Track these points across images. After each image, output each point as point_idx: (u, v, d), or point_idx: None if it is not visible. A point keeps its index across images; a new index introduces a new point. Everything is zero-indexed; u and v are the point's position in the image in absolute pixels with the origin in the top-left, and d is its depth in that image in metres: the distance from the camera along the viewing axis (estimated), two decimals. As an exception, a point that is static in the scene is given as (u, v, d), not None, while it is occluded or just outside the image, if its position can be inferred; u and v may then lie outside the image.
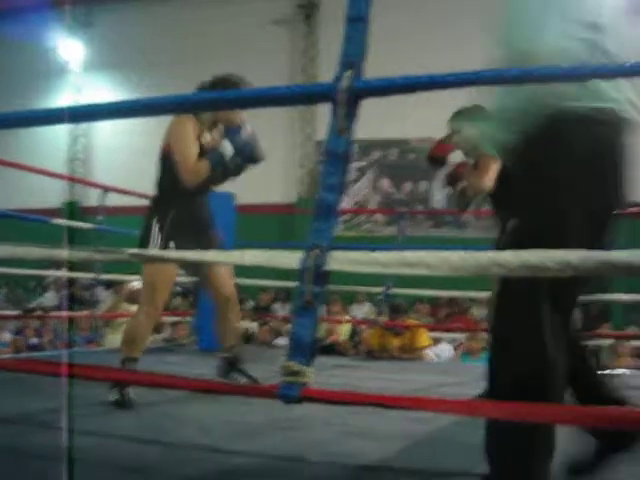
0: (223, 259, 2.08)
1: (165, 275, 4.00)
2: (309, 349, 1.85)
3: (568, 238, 2.00)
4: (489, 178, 3.60)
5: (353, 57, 1.89)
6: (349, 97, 1.84)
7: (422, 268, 1.76)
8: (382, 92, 1.91)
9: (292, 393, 1.81)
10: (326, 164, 1.92)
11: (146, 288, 4.05)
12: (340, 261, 1.85)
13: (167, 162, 4.07)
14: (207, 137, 4.11)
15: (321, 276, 1.85)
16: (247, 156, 3.97)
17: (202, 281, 4.39)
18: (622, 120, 2.10)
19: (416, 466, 2.65)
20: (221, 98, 2.06)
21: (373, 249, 2.11)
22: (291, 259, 1.90)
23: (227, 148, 3.93)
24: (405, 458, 2.80)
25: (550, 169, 2.07)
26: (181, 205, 4.09)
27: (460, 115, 3.98)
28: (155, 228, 4.02)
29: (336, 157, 1.90)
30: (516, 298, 1.99)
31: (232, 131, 3.97)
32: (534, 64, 1.96)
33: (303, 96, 2.07)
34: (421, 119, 12.78)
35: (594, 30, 2.06)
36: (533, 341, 1.98)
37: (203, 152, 4.02)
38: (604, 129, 2.07)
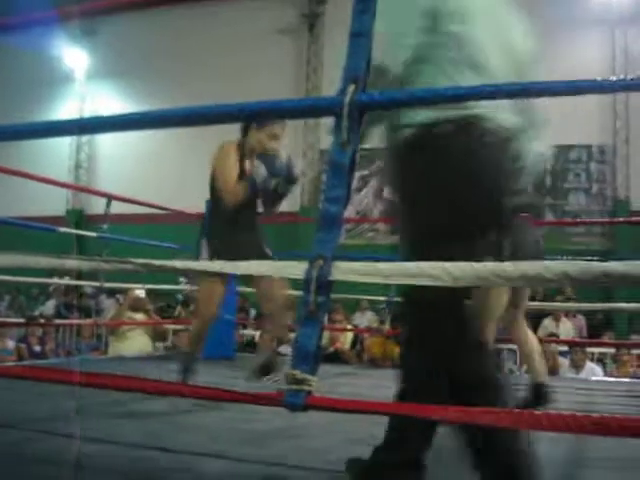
0: (231, 270, 2.11)
1: (213, 289, 4.41)
2: (313, 357, 1.88)
3: (441, 247, 2.11)
4: None
5: (356, 71, 1.92)
6: (353, 111, 1.87)
7: (424, 279, 1.79)
8: (385, 106, 1.94)
9: (297, 401, 1.83)
10: (330, 176, 1.95)
11: (198, 300, 4.74)
12: (343, 271, 1.88)
13: (213, 185, 4.43)
14: (248, 164, 4.40)
15: (325, 286, 1.88)
16: (283, 179, 4.33)
17: (256, 292, 4.73)
18: (497, 126, 2.19)
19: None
20: (229, 111, 2.09)
21: (377, 259, 2.14)
22: (296, 269, 1.93)
23: (261, 172, 4.28)
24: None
25: (422, 179, 2.20)
26: (228, 225, 4.39)
27: None
28: (203, 245, 4.42)
29: (340, 169, 1.93)
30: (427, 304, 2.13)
31: (266, 158, 4.32)
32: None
33: (307, 110, 2.11)
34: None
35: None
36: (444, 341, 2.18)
37: (243, 176, 4.34)
38: (479, 136, 2.15)
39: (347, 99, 1.88)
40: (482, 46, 2.23)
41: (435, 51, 2.20)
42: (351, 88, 1.89)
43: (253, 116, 2.17)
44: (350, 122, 1.88)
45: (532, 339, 4.64)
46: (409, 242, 2.30)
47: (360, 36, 1.95)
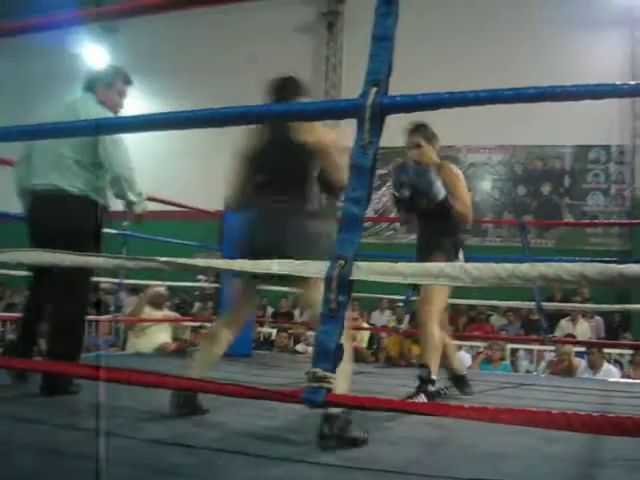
0: (251, 268, 2.14)
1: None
2: (333, 356, 1.91)
3: None
4: None
5: (378, 74, 1.95)
6: (374, 113, 1.91)
7: (443, 279, 1.82)
8: (406, 109, 1.97)
9: (317, 398, 1.86)
10: (351, 177, 1.99)
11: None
12: (364, 271, 1.91)
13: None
14: None
15: (346, 285, 1.91)
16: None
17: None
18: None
19: (434, 472, 2.69)
20: (249, 112, 2.12)
21: (397, 259, 2.17)
22: (317, 268, 1.97)
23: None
24: (424, 463, 2.85)
25: None
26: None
27: None
28: None
29: (361, 171, 1.96)
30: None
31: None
32: None
33: (330, 112, 2.14)
34: (441, 126, 12.83)
35: None
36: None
37: None
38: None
39: (369, 101, 1.91)
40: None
41: None
42: (373, 91, 1.93)
43: (276, 118, 2.20)
44: (372, 124, 1.91)
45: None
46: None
47: (383, 39, 1.99)
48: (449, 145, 14.62)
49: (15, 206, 4.55)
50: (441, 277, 1.83)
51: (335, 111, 2.13)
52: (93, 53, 18.41)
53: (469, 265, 1.81)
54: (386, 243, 14.84)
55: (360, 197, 1.96)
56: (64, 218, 4.09)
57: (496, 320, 12.12)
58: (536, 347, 9.42)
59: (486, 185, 14.84)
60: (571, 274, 1.73)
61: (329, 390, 1.86)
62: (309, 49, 16.68)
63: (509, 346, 9.50)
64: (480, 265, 1.81)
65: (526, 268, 1.75)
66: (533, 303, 7.52)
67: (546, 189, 14.62)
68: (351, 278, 1.91)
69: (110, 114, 4.30)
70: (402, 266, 1.89)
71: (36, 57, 17.32)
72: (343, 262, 1.92)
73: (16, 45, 14.77)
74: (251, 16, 16.09)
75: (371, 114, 1.90)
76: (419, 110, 1.96)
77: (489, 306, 11.63)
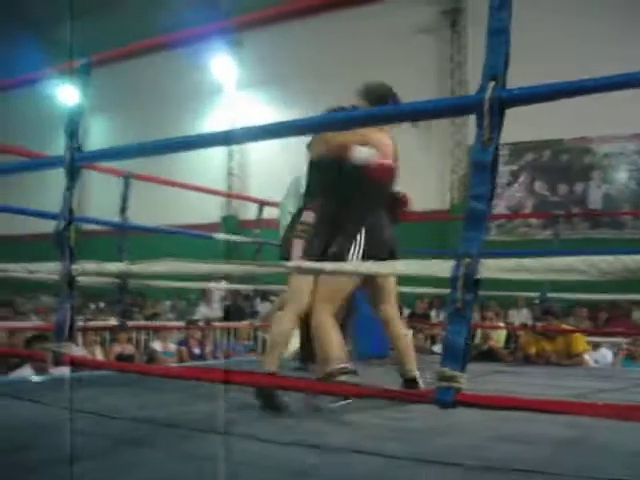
0: (377, 270, 2.15)
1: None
2: (462, 355, 1.89)
3: None
4: None
5: (496, 68, 1.92)
6: (493, 107, 1.88)
7: (570, 274, 1.78)
8: (526, 101, 1.94)
9: (447, 398, 1.85)
10: (473, 174, 1.96)
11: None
12: (490, 269, 1.89)
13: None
14: None
15: (472, 284, 1.89)
16: None
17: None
18: None
19: (569, 471, 2.63)
20: (369, 115, 2.14)
21: (526, 255, 2.13)
22: (443, 268, 1.95)
23: None
24: (558, 463, 2.79)
25: None
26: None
27: None
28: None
29: (483, 167, 1.94)
30: None
31: None
32: None
33: (448, 109, 2.12)
34: (574, 118, 12.51)
35: None
36: None
37: None
38: None
39: (487, 96, 1.88)
40: None
41: None
42: (491, 85, 1.90)
43: (395, 118, 2.21)
44: (491, 119, 1.89)
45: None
46: None
47: (498, 33, 1.96)
48: (580, 137, 14.26)
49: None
50: (569, 271, 1.79)
51: (454, 108, 2.12)
52: (222, 67, 18.89)
53: (598, 258, 1.76)
54: (520, 240, 14.55)
55: (483, 194, 1.93)
56: None
57: (638, 315, 11.72)
58: (682, 340, 9.05)
59: (622, 176, 14.35)
60: None
61: (458, 389, 1.84)
62: (433, 48, 16.56)
63: (653, 341, 9.15)
64: (609, 258, 1.75)
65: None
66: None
67: (685, 175, 14.03)
68: (477, 276, 1.88)
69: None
70: (529, 262, 1.85)
71: (168, 74, 17.88)
72: (469, 260, 1.90)
73: (147, 61, 15.27)
74: (371, 21, 16.10)
75: (490, 109, 1.87)
76: (539, 102, 1.92)
77: (631, 301, 11.25)
